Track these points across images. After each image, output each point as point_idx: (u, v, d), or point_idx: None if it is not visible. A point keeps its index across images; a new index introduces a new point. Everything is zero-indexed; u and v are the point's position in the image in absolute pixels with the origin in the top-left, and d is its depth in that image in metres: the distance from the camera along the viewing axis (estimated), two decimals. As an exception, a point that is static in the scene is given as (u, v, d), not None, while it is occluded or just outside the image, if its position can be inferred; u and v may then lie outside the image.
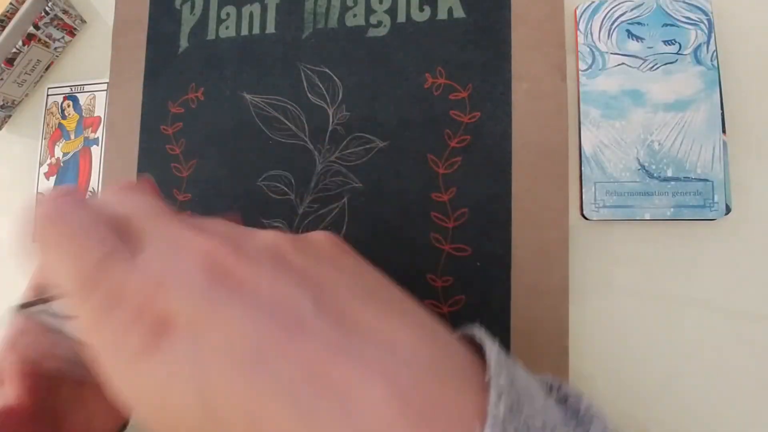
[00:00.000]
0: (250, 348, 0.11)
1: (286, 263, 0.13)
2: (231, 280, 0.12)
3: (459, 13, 0.28)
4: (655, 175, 0.25)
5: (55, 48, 0.36)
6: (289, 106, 0.30)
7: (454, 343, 0.14)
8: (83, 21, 0.36)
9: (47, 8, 0.34)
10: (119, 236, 0.14)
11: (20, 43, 0.33)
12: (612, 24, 0.26)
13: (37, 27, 0.34)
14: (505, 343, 0.25)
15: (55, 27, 0.35)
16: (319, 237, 0.16)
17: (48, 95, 0.36)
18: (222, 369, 0.11)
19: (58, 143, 0.35)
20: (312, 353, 0.11)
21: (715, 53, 0.25)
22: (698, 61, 0.25)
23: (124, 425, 0.21)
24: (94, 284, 0.13)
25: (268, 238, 0.15)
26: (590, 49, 0.27)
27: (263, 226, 0.24)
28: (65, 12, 0.35)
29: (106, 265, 0.13)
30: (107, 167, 0.33)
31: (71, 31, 0.36)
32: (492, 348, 0.13)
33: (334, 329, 0.12)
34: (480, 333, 0.15)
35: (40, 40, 0.34)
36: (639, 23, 0.26)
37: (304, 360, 0.11)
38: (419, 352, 0.12)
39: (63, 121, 0.35)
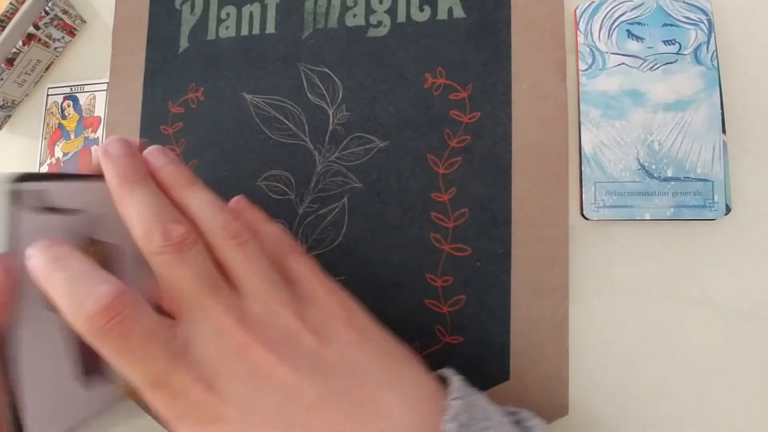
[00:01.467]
0: (282, 419, 0.17)
1: (302, 348, 0.19)
2: (263, 372, 0.18)
3: (459, 13, 0.28)
4: (655, 175, 0.25)
5: (55, 48, 0.36)
6: (289, 106, 0.30)
7: (428, 389, 0.19)
8: (83, 21, 0.36)
9: (47, 8, 0.34)
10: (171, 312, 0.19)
11: (20, 43, 0.33)
12: (612, 24, 0.26)
13: (37, 27, 0.34)
14: (505, 343, 0.25)
15: (55, 27, 0.35)
16: (332, 310, 0.21)
17: (48, 95, 0.36)
18: (265, 429, 0.17)
19: (58, 143, 0.35)
20: (321, 422, 0.17)
21: (715, 53, 0.25)
22: (698, 61, 0.25)
23: None
24: (160, 386, 0.17)
25: (289, 323, 0.19)
26: (590, 49, 0.27)
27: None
28: (65, 12, 0.35)
29: (168, 374, 0.17)
30: (107, 167, 0.33)
31: (71, 31, 0.36)
32: (454, 381, 0.19)
33: (339, 405, 0.18)
34: (448, 372, 0.20)
35: (40, 40, 0.34)
36: (639, 23, 0.26)
37: (316, 427, 0.17)
38: (402, 418, 0.18)
39: (63, 121, 0.35)
